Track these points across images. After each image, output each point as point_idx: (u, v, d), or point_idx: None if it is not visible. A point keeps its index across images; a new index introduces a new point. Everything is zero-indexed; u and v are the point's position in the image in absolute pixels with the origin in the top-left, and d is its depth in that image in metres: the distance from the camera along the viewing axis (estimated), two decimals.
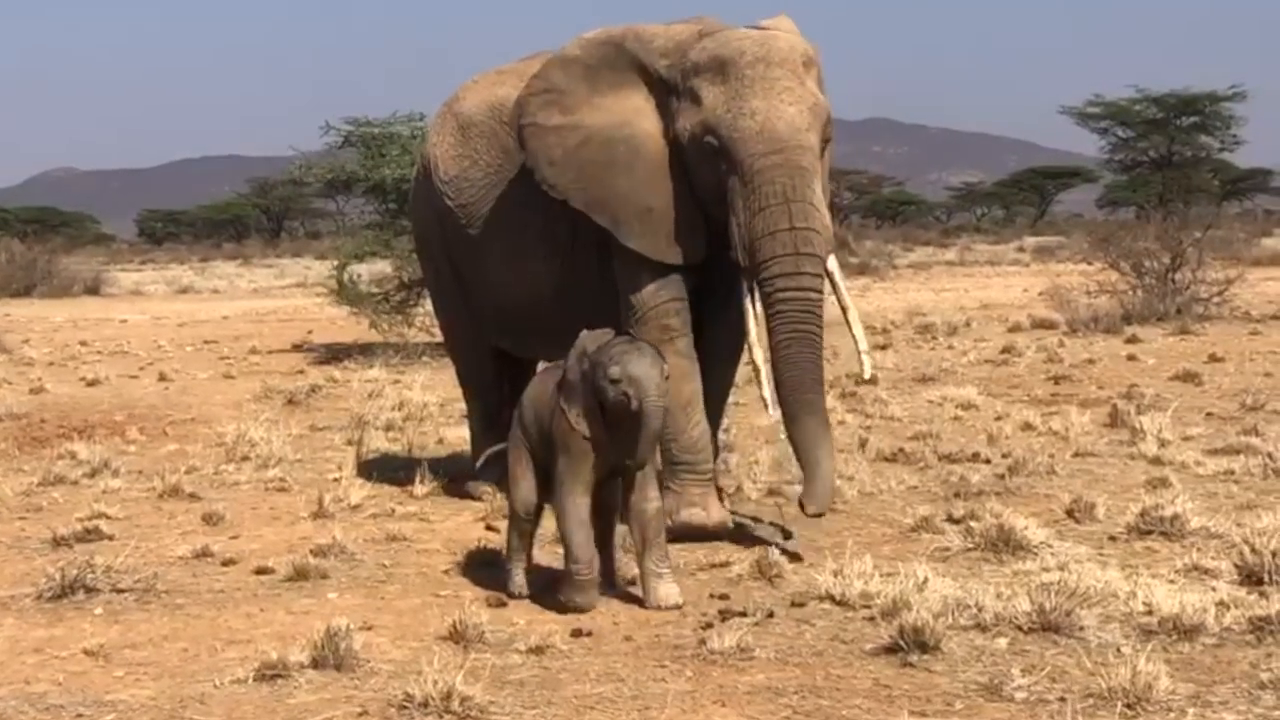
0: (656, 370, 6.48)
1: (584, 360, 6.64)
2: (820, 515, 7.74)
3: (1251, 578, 6.68)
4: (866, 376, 8.48)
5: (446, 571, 7.49)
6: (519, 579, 6.99)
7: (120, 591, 7.16)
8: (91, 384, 16.56)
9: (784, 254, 7.63)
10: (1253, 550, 6.82)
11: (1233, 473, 9.46)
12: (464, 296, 9.38)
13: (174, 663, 6.09)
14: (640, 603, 6.71)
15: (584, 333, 6.82)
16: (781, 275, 7.65)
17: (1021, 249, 50.76)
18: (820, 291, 7.76)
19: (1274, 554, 6.74)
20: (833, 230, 8.01)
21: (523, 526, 7.04)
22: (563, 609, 6.62)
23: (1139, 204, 62.80)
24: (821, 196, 7.78)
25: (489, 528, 8.34)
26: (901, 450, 10.46)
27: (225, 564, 7.75)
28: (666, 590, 6.66)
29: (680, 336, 8.15)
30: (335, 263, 21.51)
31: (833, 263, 7.86)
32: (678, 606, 6.58)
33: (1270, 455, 9.60)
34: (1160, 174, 64.00)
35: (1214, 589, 6.56)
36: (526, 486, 7.01)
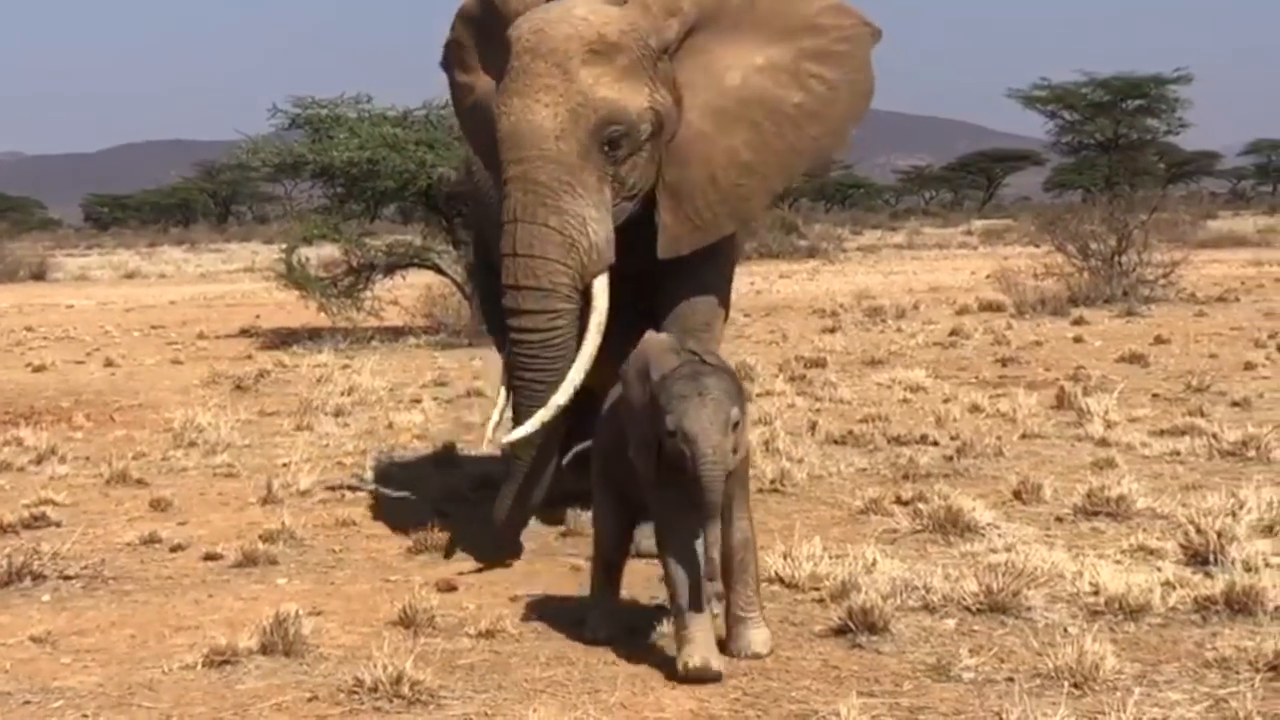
0: (718, 424, 5.35)
1: (645, 385, 5.63)
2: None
3: (1197, 558, 6.72)
4: (488, 438, 7.49)
5: (396, 557, 7.48)
6: (595, 620, 6.05)
7: (67, 578, 7.13)
8: (38, 370, 16.47)
9: (507, 285, 6.92)
10: (1198, 530, 6.86)
11: (1178, 453, 9.51)
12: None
13: (122, 649, 6.06)
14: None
15: (648, 338, 5.91)
16: (506, 312, 6.96)
17: (969, 232, 50.95)
18: (547, 329, 6.86)
19: (1219, 534, 6.79)
20: (604, 247, 6.93)
21: (606, 559, 6.14)
22: (681, 678, 5.43)
23: (1085, 187, 63.02)
24: (579, 210, 6.81)
25: (440, 513, 8.32)
26: (850, 433, 10.48)
27: (173, 550, 7.72)
28: (752, 636, 5.67)
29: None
30: (283, 247, 21.41)
31: (599, 285, 6.95)
32: (759, 657, 5.63)
33: (1215, 436, 9.65)
34: (1106, 157, 64.26)
35: (1159, 569, 6.60)
36: (607, 516, 6.13)
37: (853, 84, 7.47)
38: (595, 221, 6.87)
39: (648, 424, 5.54)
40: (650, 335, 5.97)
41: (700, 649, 5.40)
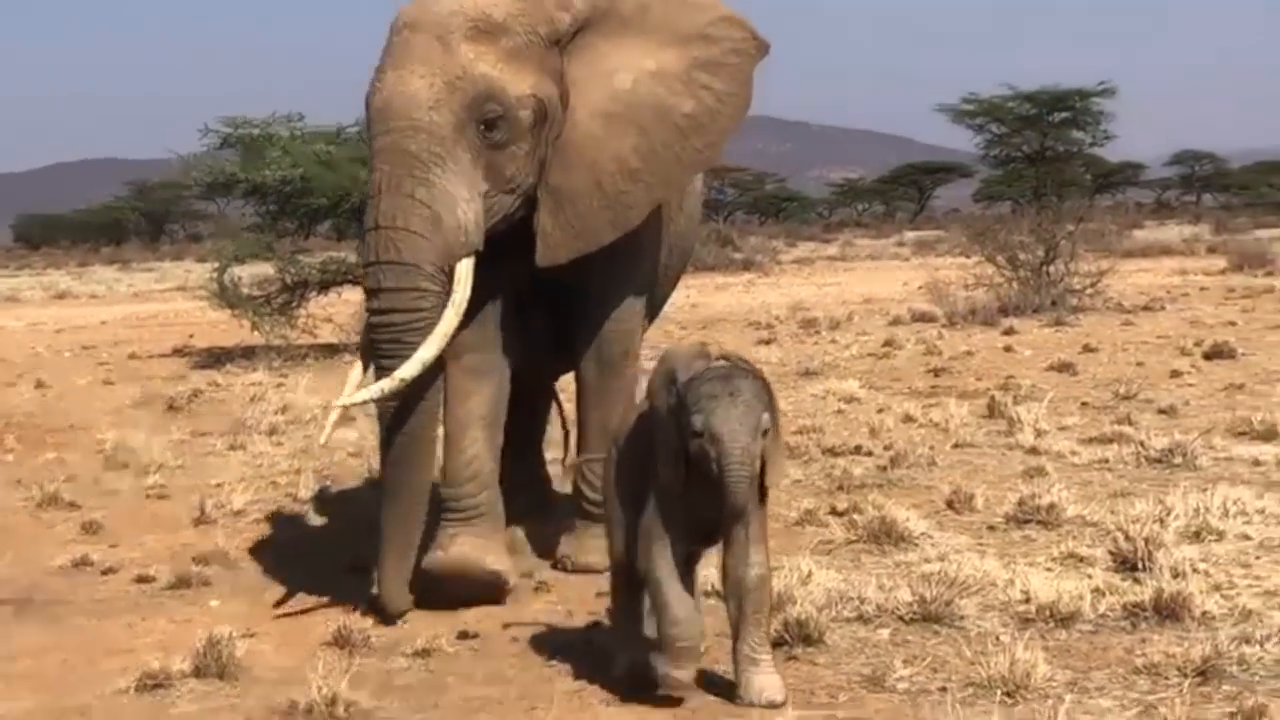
0: (748, 426, 5.10)
1: (672, 391, 5.31)
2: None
3: (1126, 564, 6.77)
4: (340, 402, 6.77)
5: (331, 577, 7.42)
6: (627, 660, 5.56)
7: None
8: None
9: (367, 262, 6.54)
10: (1126, 537, 6.91)
11: (1107, 461, 9.59)
12: None
13: (54, 674, 6.00)
14: (530, 602, 6.69)
15: (670, 350, 5.61)
16: (366, 292, 6.61)
17: (901, 243, 51.15)
18: (410, 310, 6.42)
19: (1147, 541, 6.84)
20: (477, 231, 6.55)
21: (630, 580, 5.60)
22: (656, 688, 5.33)
23: (1014, 198, 63.40)
24: (448, 187, 6.43)
25: (375, 530, 8.27)
26: (786, 444, 10.49)
27: (105, 573, 7.65)
28: (764, 682, 5.27)
29: (463, 349, 6.89)
30: (216, 265, 21.27)
31: (464, 267, 6.51)
32: (775, 705, 5.23)
33: (1143, 444, 9.73)
34: (1034, 169, 64.67)
35: (1090, 576, 6.64)
36: (627, 535, 5.55)
37: (736, 98, 7.22)
38: (465, 201, 6.48)
39: (675, 430, 5.23)
40: (675, 345, 5.79)
41: (678, 662, 5.24)
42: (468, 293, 6.50)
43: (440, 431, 6.97)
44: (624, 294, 7.31)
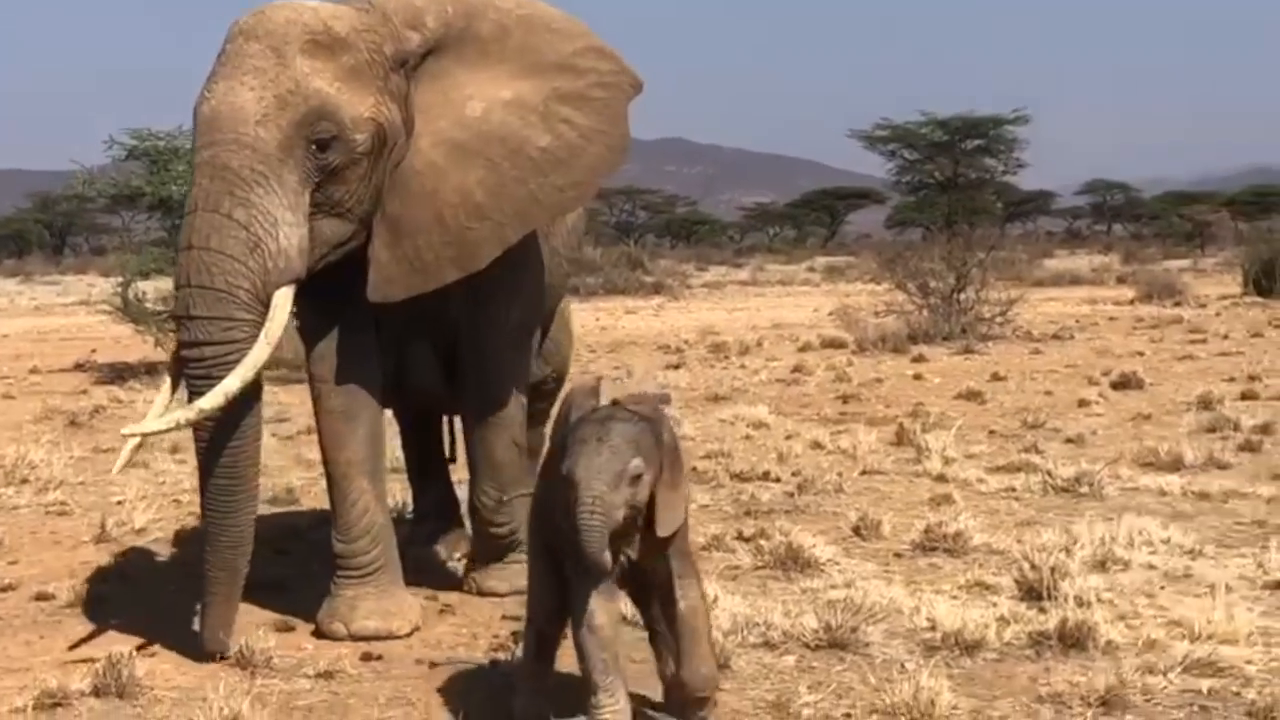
0: (608, 473, 4.78)
1: (561, 433, 5.11)
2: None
3: (1031, 593, 6.82)
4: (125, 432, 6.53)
5: None
6: (524, 703, 5.36)
7: None
8: None
9: (178, 285, 6.05)
10: (1032, 566, 6.97)
11: (1013, 490, 9.68)
12: None
13: None
14: (434, 624, 6.67)
15: (575, 387, 5.31)
16: (174, 318, 6.16)
17: (812, 269, 51.50)
18: (222, 341, 5.94)
19: (1053, 570, 6.90)
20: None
21: (539, 630, 5.38)
22: None
23: (926, 225, 64.02)
24: (270, 208, 5.96)
25: (279, 551, 8.23)
26: (694, 469, 10.51)
27: (4, 590, 7.57)
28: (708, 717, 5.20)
29: (329, 390, 6.71)
30: (120, 279, 21.07)
31: (281, 295, 6.04)
32: None
33: (1049, 473, 9.84)
34: (946, 195, 65.29)
35: (995, 604, 6.69)
36: (540, 579, 5.34)
37: (606, 135, 6.67)
38: (288, 225, 5.99)
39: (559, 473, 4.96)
40: (580, 380, 5.44)
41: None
42: (283, 323, 6.06)
43: (323, 481, 6.91)
44: (500, 326, 6.94)
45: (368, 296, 6.43)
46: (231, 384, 5.89)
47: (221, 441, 6.05)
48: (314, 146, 6.03)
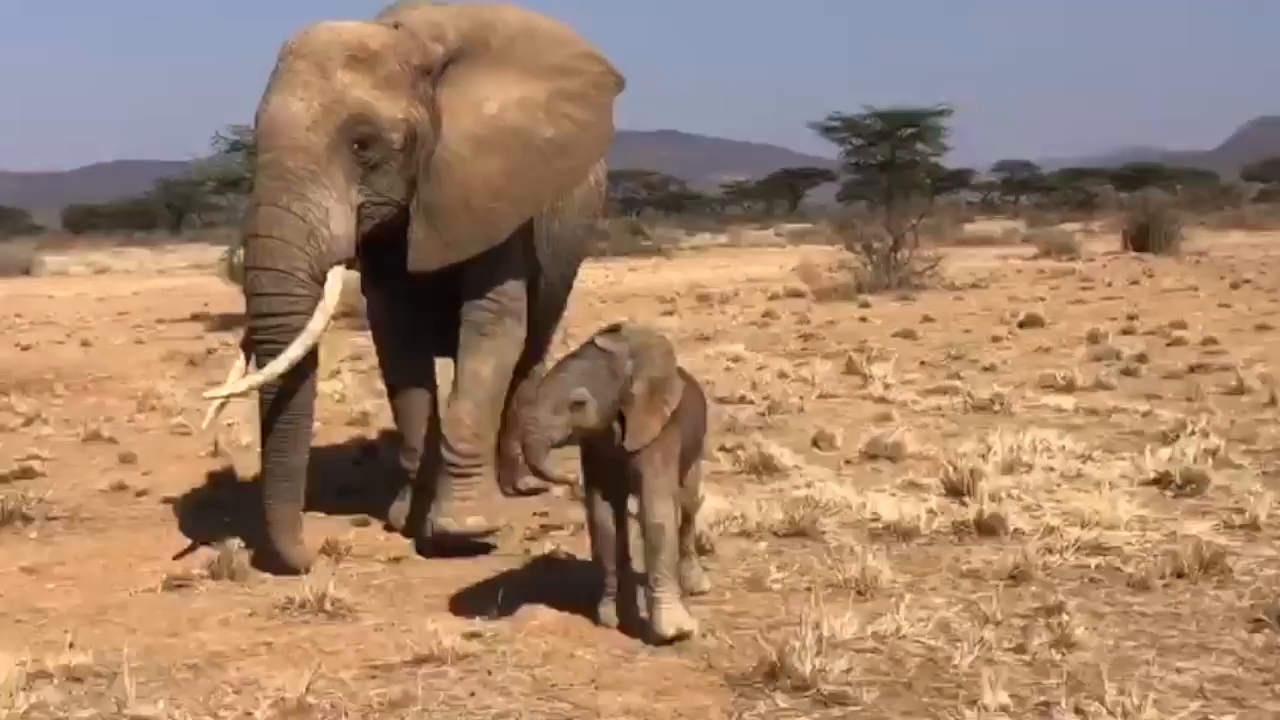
0: (550, 399, 4.69)
1: None
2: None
3: (954, 491, 6.81)
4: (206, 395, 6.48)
5: (322, 498, 7.36)
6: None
7: (51, 519, 6.98)
8: (25, 349, 16.08)
9: (247, 267, 5.97)
10: (955, 469, 6.97)
11: (940, 408, 9.67)
12: None
13: (97, 577, 5.93)
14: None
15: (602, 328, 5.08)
16: (247, 294, 6.00)
17: (779, 234, 51.38)
18: (285, 313, 5.84)
19: (972, 472, 6.90)
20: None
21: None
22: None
23: (869, 198, 63.59)
24: (321, 201, 5.83)
25: (356, 461, 8.25)
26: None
27: (139, 495, 7.58)
28: (660, 616, 4.83)
29: (386, 337, 6.87)
30: (227, 248, 21.06)
31: (333, 274, 5.93)
32: (665, 639, 4.78)
33: (969, 394, 9.83)
34: (885, 174, 64.90)
35: (925, 500, 6.68)
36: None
37: (597, 126, 6.57)
38: (338, 214, 5.87)
39: None
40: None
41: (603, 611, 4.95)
42: (336, 296, 5.96)
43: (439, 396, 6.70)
44: (494, 275, 6.53)
45: (408, 268, 6.29)
46: (295, 351, 5.79)
47: (283, 397, 5.92)
48: (356, 146, 5.91)
